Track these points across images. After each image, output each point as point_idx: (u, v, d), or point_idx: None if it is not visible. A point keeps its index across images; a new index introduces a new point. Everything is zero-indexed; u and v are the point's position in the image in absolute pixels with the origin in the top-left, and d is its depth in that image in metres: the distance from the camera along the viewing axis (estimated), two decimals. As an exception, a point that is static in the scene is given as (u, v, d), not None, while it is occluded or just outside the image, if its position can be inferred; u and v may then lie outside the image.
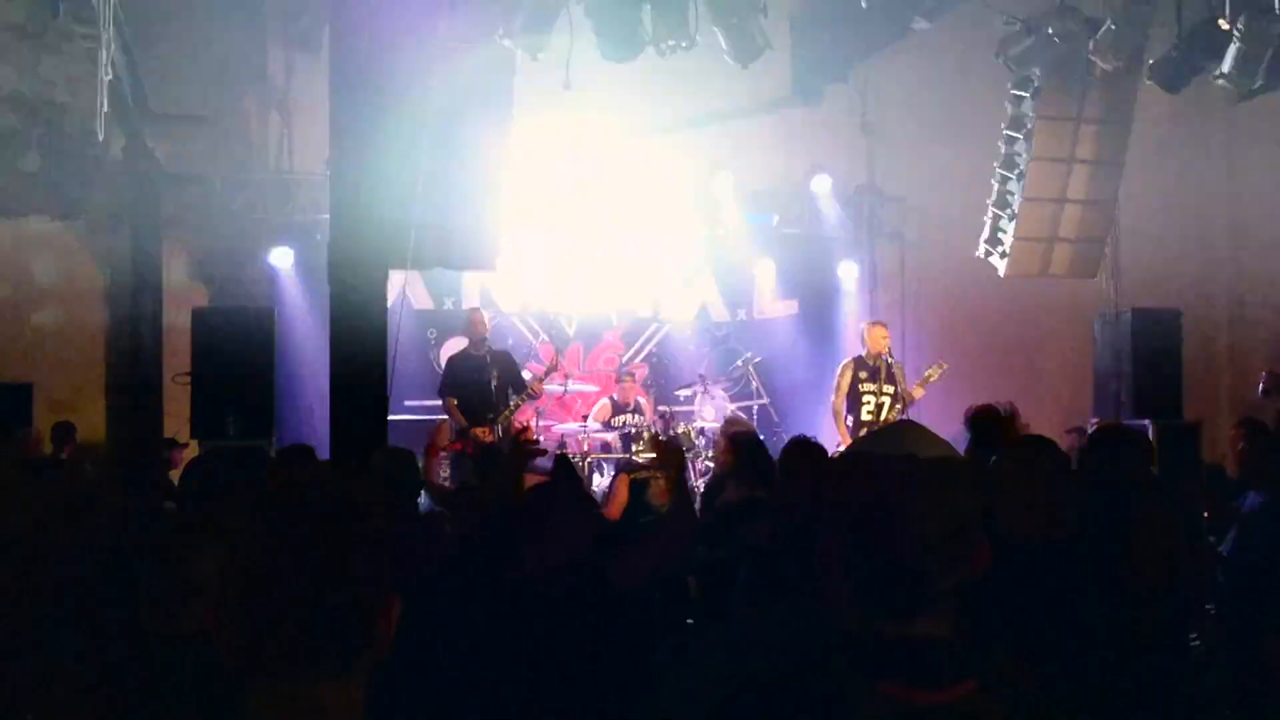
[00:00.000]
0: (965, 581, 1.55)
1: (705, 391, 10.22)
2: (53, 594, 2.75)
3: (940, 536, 1.51)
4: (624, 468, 8.63)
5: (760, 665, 2.07)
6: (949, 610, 1.56)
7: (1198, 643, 4.35)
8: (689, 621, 4.72)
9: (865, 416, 9.48)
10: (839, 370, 9.81)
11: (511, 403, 9.35)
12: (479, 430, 9.18)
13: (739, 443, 5.44)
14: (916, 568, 1.50)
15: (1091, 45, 8.82)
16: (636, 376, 10.77)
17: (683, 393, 10.75)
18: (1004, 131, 10.39)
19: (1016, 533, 2.90)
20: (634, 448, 9.67)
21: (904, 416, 9.53)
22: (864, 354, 9.70)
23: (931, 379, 9.50)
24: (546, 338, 11.21)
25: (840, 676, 1.50)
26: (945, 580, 1.52)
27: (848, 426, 9.47)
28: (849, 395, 9.62)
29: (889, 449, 1.58)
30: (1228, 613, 4.72)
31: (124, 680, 2.75)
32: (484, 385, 9.29)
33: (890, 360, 9.62)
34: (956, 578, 1.54)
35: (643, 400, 10.29)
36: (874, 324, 9.95)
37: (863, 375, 9.61)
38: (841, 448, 8.90)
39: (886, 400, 9.49)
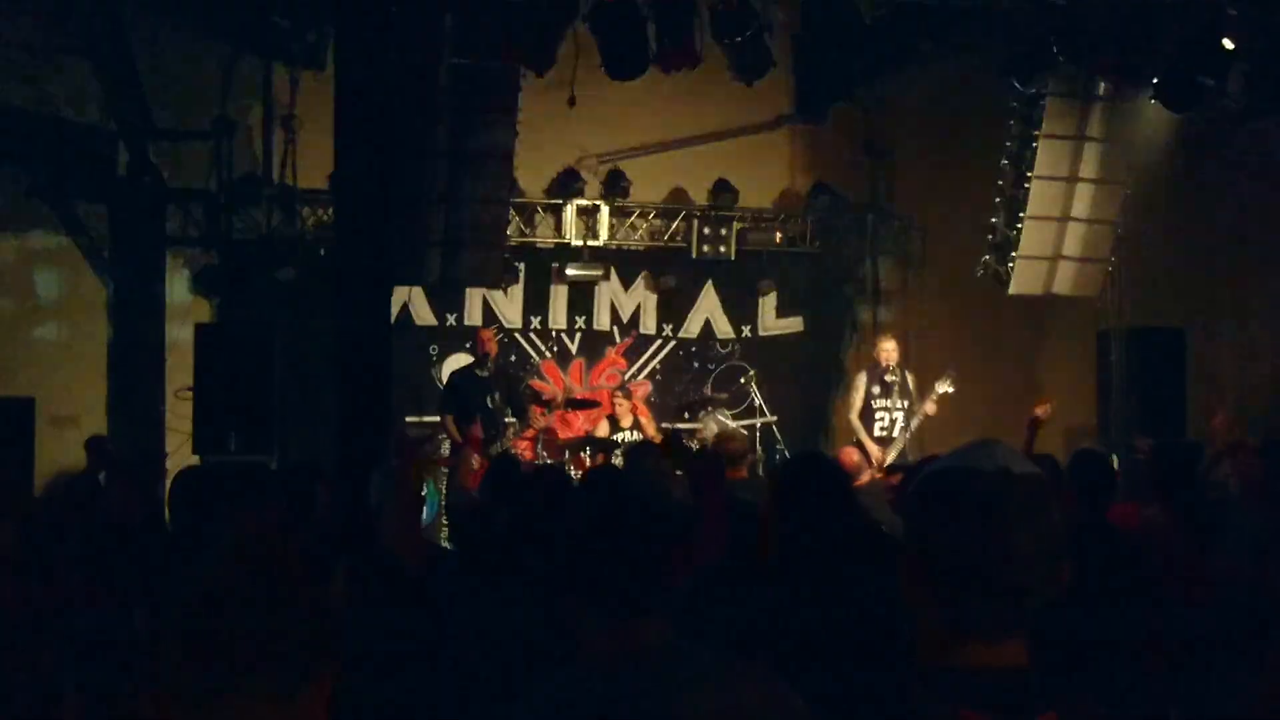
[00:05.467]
0: (1049, 600, 1.53)
1: (708, 409, 10.17)
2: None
3: (1040, 554, 1.49)
4: None
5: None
6: (1026, 636, 1.54)
7: None
8: None
9: (879, 432, 9.40)
10: (852, 385, 9.72)
11: (509, 428, 9.27)
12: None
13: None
14: (1019, 584, 1.48)
15: (1096, 64, 8.82)
16: (635, 394, 10.68)
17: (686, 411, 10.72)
18: (1008, 149, 10.39)
19: None
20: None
21: (909, 430, 9.44)
22: (876, 368, 9.62)
23: (941, 390, 9.28)
24: (550, 355, 11.19)
25: (917, 704, 1.46)
26: (1037, 598, 1.51)
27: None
28: (862, 411, 9.53)
29: (980, 463, 1.54)
30: None
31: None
32: (485, 406, 9.23)
33: (903, 374, 9.54)
34: (1044, 597, 1.52)
35: (643, 420, 10.20)
36: (883, 337, 9.88)
37: (875, 390, 9.52)
38: (873, 459, 8.87)
39: (900, 415, 9.41)
